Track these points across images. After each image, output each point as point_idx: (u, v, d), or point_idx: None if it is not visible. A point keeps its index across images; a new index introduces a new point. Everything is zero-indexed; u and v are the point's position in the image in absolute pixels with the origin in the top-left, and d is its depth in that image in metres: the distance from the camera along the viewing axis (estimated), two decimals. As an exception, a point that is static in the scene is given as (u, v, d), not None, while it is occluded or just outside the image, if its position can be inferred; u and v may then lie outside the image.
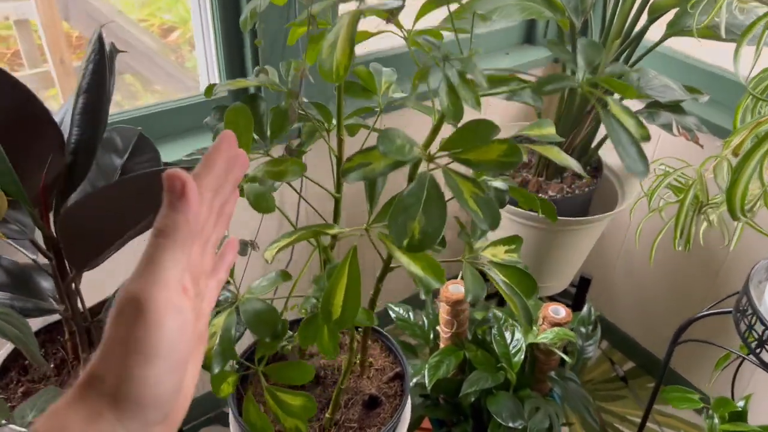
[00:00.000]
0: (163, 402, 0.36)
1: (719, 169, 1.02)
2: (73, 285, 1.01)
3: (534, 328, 1.35)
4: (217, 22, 1.31)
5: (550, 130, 0.89)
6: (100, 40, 0.84)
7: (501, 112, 1.94)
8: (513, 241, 0.93)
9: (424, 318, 1.53)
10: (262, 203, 0.66)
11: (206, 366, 0.69)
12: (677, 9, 1.39)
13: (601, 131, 1.62)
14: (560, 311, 1.35)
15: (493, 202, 0.60)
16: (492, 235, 0.92)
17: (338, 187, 0.79)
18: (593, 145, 1.64)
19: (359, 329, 1.05)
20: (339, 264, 0.60)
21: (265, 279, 0.73)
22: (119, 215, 0.87)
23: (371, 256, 0.83)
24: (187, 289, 0.39)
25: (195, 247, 0.40)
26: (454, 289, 1.37)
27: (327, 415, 0.98)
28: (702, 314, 1.28)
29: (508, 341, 1.35)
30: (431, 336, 1.51)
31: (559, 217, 1.53)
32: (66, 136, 0.86)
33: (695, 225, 1.00)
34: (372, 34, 0.83)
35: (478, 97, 0.62)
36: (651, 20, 1.37)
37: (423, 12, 0.73)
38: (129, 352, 0.35)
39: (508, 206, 1.56)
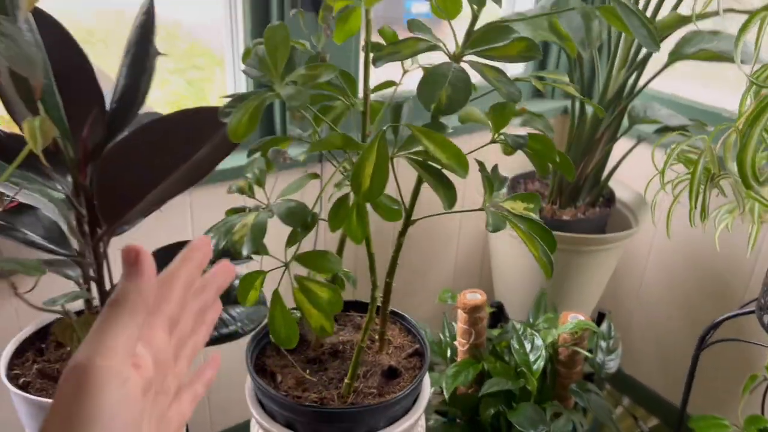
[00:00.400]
0: None
1: (728, 144, 1.06)
2: (102, 247, 1.03)
3: (553, 337, 1.33)
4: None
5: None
6: (150, 3, 0.93)
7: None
8: (531, 199, 0.96)
9: (441, 335, 1.51)
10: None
11: (236, 252, 0.70)
12: (680, 39, 1.49)
13: (611, 162, 1.67)
14: (580, 317, 1.34)
15: (511, 83, 0.64)
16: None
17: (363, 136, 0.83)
18: (604, 176, 1.69)
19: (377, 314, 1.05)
20: (369, 143, 0.64)
21: (294, 183, 0.75)
22: (156, 159, 0.91)
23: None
24: (139, 365, 0.38)
25: (158, 329, 0.41)
26: (471, 296, 1.37)
27: (346, 381, 0.96)
28: (727, 316, 1.26)
29: (528, 349, 1.33)
30: (449, 353, 1.48)
31: (574, 235, 1.55)
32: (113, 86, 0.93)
33: (708, 194, 1.02)
34: None
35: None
36: (654, 45, 1.46)
37: None
38: (65, 418, 0.34)
39: (524, 226, 1.59)
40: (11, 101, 0.83)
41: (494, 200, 0.90)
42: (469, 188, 1.81)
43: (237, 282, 1.19)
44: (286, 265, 0.77)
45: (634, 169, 1.81)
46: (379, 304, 1.01)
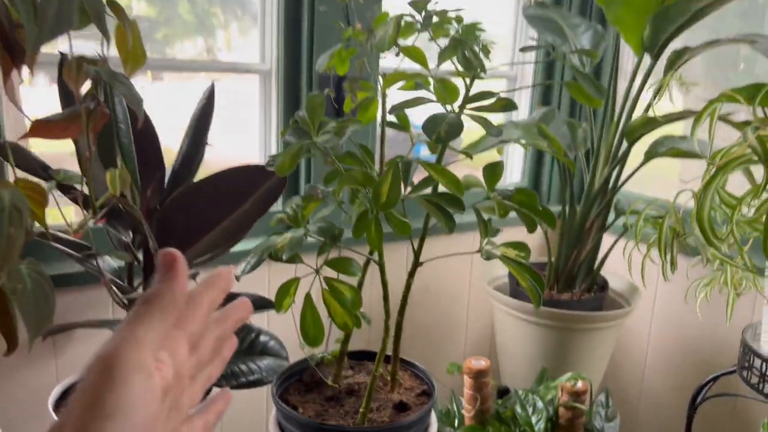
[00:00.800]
0: None
1: (693, 214, 1.24)
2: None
3: (552, 394, 1.42)
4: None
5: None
6: (211, 89, 1.17)
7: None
8: (522, 248, 1.12)
9: (449, 406, 1.60)
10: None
11: (277, 255, 0.86)
12: (653, 141, 1.72)
13: (602, 251, 1.84)
14: (578, 383, 1.44)
15: (494, 125, 0.84)
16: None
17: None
18: (596, 264, 1.85)
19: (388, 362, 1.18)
20: (386, 170, 0.83)
21: (325, 209, 0.93)
22: (209, 209, 1.11)
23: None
24: (161, 369, 0.38)
25: (181, 343, 0.41)
26: (476, 362, 1.49)
27: (361, 410, 1.08)
28: (713, 376, 1.36)
29: (530, 412, 1.42)
30: (456, 423, 1.56)
31: (572, 312, 1.69)
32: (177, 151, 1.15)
33: (676, 251, 1.18)
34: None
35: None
36: (630, 144, 1.69)
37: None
38: (89, 405, 0.35)
39: (523, 304, 1.72)
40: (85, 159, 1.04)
41: (489, 243, 1.06)
42: (475, 277, 1.97)
43: (261, 336, 1.34)
44: (317, 270, 0.93)
45: (624, 260, 1.97)
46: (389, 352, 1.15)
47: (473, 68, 0.88)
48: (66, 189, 1.13)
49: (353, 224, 0.90)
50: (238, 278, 0.99)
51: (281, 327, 1.53)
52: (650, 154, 1.70)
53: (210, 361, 0.45)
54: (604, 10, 1.65)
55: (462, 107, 0.91)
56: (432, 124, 0.82)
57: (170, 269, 0.40)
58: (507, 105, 0.90)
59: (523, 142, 1.21)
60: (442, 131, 0.80)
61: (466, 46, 0.89)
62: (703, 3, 1.33)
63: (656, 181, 2.18)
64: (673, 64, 1.49)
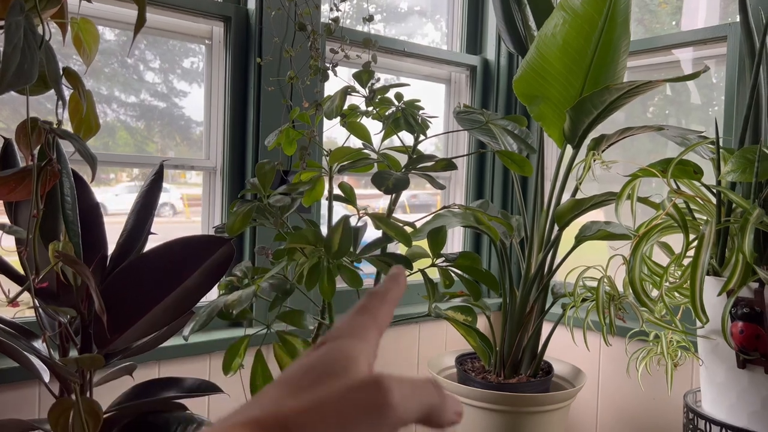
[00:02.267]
0: None
1: (625, 281, 1.31)
2: (88, 376, 1.13)
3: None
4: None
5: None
6: (160, 166, 1.20)
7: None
8: (469, 311, 1.15)
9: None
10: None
11: (227, 312, 0.84)
12: (581, 227, 1.83)
13: (544, 333, 1.88)
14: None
15: (436, 181, 0.90)
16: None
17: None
18: (539, 349, 1.88)
19: None
20: (337, 222, 0.86)
21: (275, 267, 0.93)
22: (153, 284, 1.09)
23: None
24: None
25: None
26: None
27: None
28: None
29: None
30: None
31: (521, 394, 1.69)
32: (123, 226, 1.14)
33: (613, 314, 1.24)
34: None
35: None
36: (561, 229, 1.79)
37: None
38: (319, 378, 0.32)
39: (473, 390, 1.71)
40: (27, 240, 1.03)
41: (437, 306, 1.09)
42: (422, 366, 1.95)
43: (204, 427, 1.28)
44: (268, 326, 0.92)
45: (565, 344, 2.01)
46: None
47: (415, 131, 0.95)
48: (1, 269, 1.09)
49: (306, 275, 0.91)
50: (185, 338, 0.96)
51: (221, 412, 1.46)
52: (579, 238, 1.80)
53: None
54: (528, 108, 1.81)
55: (408, 167, 0.97)
56: (380, 179, 0.87)
57: (398, 281, 0.39)
58: (447, 165, 0.97)
59: (464, 223, 1.28)
60: (390, 183, 0.85)
61: (408, 114, 0.96)
62: (614, 95, 1.49)
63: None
64: (592, 151, 1.62)
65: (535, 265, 1.85)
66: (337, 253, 0.84)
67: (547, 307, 1.86)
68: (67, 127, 0.92)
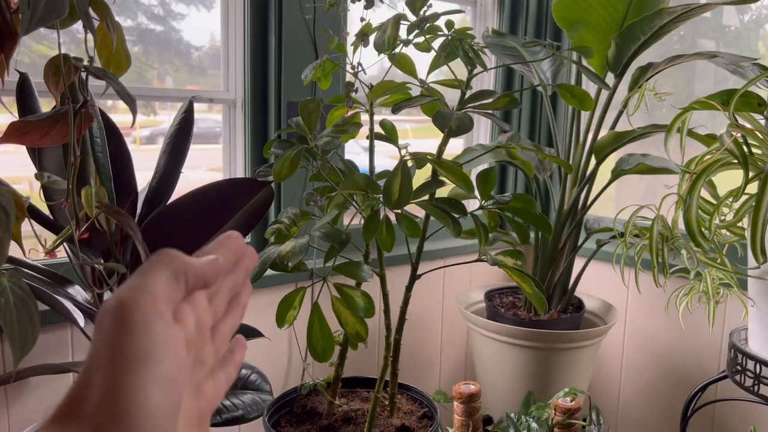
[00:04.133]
0: (154, 425, 0.31)
1: (674, 219, 1.25)
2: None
3: (547, 413, 1.38)
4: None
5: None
6: (190, 104, 1.12)
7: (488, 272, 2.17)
8: (519, 256, 1.10)
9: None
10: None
11: (281, 265, 0.79)
12: (618, 159, 1.76)
13: (576, 269, 1.85)
14: (569, 401, 1.41)
15: (499, 119, 0.82)
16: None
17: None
18: (570, 284, 1.85)
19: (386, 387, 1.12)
20: (395, 168, 0.79)
21: (326, 215, 0.88)
22: (190, 230, 1.03)
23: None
24: (182, 321, 0.36)
25: (200, 294, 0.39)
26: (466, 387, 1.44)
27: (363, 435, 1.01)
28: (706, 383, 1.36)
29: (525, 434, 1.38)
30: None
31: (552, 331, 1.67)
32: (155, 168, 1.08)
33: (666, 255, 1.19)
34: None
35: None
36: (598, 162, 1.72)
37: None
38: (113, 359, 0.31)
39: (503, 326, 1.69)
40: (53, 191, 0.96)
41: (486, 251, 1.04)
42: (447, 302, 1.94)
43: (242, 370, 1.25)
44: (325, 277, 0.87)
45: (597, 279, 1.98)
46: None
47: (474, 64, 0.87)
48: (34, 216, 1.04)
49: (363, 226, 0.85)
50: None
51: (261, 359, 1.45)
52: (617, 172, 1.73)
53: (228, 311, 0.43)
54: (567, 33, 1.70)
55: (463, 104, 0.89)
56: (442, 119, 0.80)
57: (238, 251, 0.40)
58: (510, 101, 0.89)
59: (509, 156, 1.20)
60: (454, 125, 0.78)
61: (465, 44, 0.88)
62: (666, 19, 1.39)
63: (619, 203, 2.23)
64: (638, 80, 1.53)
65: (569, 200, 1.79)
66: (398, 202, 0.78)
67: (580, 243, 1.82)
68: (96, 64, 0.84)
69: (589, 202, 1.78)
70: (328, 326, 0.87)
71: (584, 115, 1.78)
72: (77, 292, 1.10)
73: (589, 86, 2.05)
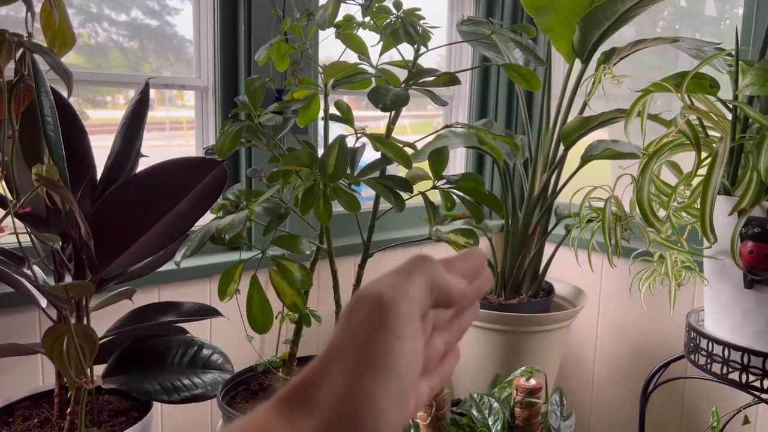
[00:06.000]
0: None
1: (632, 201, 1.26)
2: (84, 301, 1.12)
3: (507, 392, 1.40)
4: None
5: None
6: (146, 85, 1.13)
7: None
8: (470, 234, 1.12)
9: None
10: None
11: (220, 236, 0.81)
12: (587, 146, 1.77)
13: (546, 255, 1.86)
14: (531, 380, 1.43)
15: (437, 96, 0.84)
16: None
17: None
18: (541, 269, 1.87)
19: None
20: (332, 143, 0.81)
21: (268, 190, 0.90)
22: (145, 208, 1.05)
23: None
24: (423, 331, 0.34)
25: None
26: (430, 368, 1.45)
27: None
28: (662, 363, 1.38)
29: (486, 414, 1.39)
30: (411, 431, 1.51)
31: (521, 315, 1.68)
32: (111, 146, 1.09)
33: (619, 235, 1.20)
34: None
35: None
36: (566, 148, 1.73)
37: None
38: (358, 358, 0.29)
39: (473, 312, 1.71)
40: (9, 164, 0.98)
41: (437, 229, 1.05)
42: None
43: (204, 350, 1.27)
44: (263, 250, 0.89)
45: (567, 265, 2.00)
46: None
47: (415, 42, 0.89)
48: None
49: (300, 199, 0.87)
50: (177, 264, 0.93)
51: (223, 340, 1.46)
52: (586, 158, 1.75)
53: (449, 327, 0.39)
54: (535, 20, 1.71)
55: (408, 82, 0.91)
56: (377, 95, 0.81)
57: (479, 271, 0.38)
58: (450, 79, 0.90)
59: (467, 142, 1.22)
60: (388, 100, 0.80)
61: (409, 24, 0.89)
62: (628, 4, 1.40)
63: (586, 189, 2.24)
64: (602, 64, 1.54)
65: (539, 185, 1.81)
66: (332, 176, 0.80)
67: (550, 228, 1.83)
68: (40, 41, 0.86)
69: (558, 187, 1.79)
70: (267, 298, 0.89)
71: (554, 102, 1.80)
72: (37, 272, 1.12)
73: (561, 70, 2.06)
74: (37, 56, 0.88)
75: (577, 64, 1.69)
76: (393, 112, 0.97)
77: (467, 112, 2.16)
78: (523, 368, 1.35)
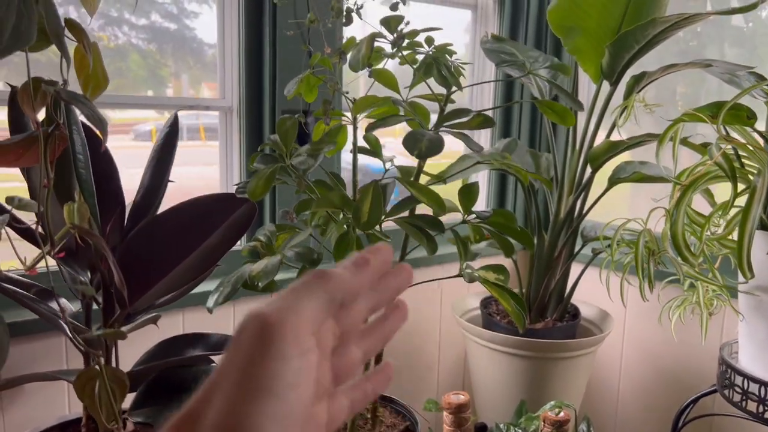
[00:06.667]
0: None
1: (664, 232, 1.24)
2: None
3: (535, 425, 1.38)
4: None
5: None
6: (175, 117, 1.13)
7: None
8: (501, 271, 1.10)
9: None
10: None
11: (252, 284, 0.80)
12: (615, 167, 1.74)
13: (572, 278, 1.84)
14: (560, 413, 1.41)
15: (473, 141, 0.82)
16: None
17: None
18: (566, 292, 1.84)
19: None
20: (365, 188, 0.80)
21: (300, 234, 0.89)
22: (173, 244, 1.05)
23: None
24: (319, 346, 0.34)
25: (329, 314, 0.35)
26: (455, 397, 1.44)
27: (342, 450, 1.01)
28: (694, 397, 1.35)
29: (513, 445, 1.38)
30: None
31: (546, 341, 1.66)
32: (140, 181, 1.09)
33: (652, 269, 1.18)
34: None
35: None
36: (594, 171, 1.71)
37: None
38: (241, 381, 0.30)
39: (497, 335, 1.69)
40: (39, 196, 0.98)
41: (468, 267, 1.04)
42: (445, 309, 1.94)
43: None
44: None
45: (593, 288, 1.97)
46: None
47: (449, 85, 0.87)
48: (16, 225, 1.05)
49: (334, 246, 0.86)
50: (210, 310, 0.93)
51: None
52: (613, 180, 1.72)
53: (368, 333, 0.38)
54: (563, 41, 1.69)
55: (438, 124, 0.89)
56: (412, 140, 0.80)
57: (366, 261, 0.36)
58: (484, 121, 0.89)
59: (496, 164, 1.20)
60: (423, 147, 0.78)
61: (441, 64, 0.88)
62: (659, 28, 1.37)
63: (613, 209, 2.22)
64: (632, 89, 1.52)
65: (565, 208, 1.78)
66: (367, 224, 0.79)
67: (576, 250, 1.81)
68: (73, 82, 0.86)
69: (585, 210, 1.77)
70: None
71: (581, 123, 1.77)
72: (65, 305, 1.12)
73: (590, 92, 2.03)
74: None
75: (605, 85, 1.67)
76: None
77: (490, 132, 2.14)
78: (552, 403, 1.33)
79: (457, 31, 2.19)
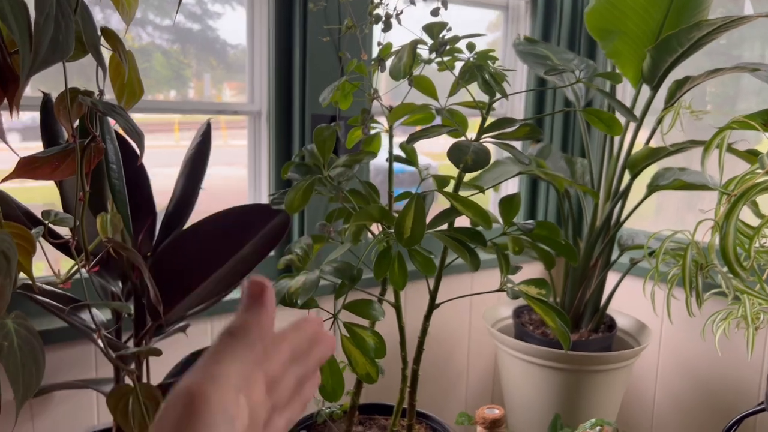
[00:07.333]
0: None
1: (711, 244, 1.19)
2: (145, 344, 1.10)
3: (573, 441, 1.34)
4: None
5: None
6: (208, 126, 1.11)
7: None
8: (543, 285, 1.06)
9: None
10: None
11: (291, 301, 0.77)
12: (654, 174, 1.69)
13: (608, 288, 1.78)
14: (597, 427, 1.36)
15: (520, 152, 0.78)
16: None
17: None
18: (602, 302, 1.79)
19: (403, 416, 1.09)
20: (408, 202, 0.76)
21: (339, 248, 0.86)
22: (206, 255, 1.02)
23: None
24: (240, 412, 0.35)
25: (259, 384, 0.37)
26: (489, 411, 1.40)
27: (378, 469, 0.98)
28: (741, 416, 1.29)
29: (550, 462, 1.33)
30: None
31: (582, 353, 1.61)
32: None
33: (701, 284, 1.13)
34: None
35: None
36: (633, 177, 1.66)
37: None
38: None
39: (531, 346, 1.65)
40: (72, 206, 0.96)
41: (509, 279, 1.00)
42: (474, 319, 1.90)
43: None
44: (335, 315, 0.85)
45: (629, 297, 1.92)
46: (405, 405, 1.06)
47: (492, 93, 0.84)
48: (52, 237, 1.04)
49: (374, 263, 0.83)
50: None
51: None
52: (652, 187, 1.67)
53: (289, 403, 0.41)
54: (600, 44, 1.64)
55: (480, 135, 0.86)
56: (457, 152, 0.76)
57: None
58: (531, 131, 0.85)
59: (538, 172, 1.16)
60: (469, 159, 0.75)
61: (485, 71, 0.84)
62: (704, 31, 1.32)
63: (648, 216, 2.16)
64: (674, 94, 1.47)
65: (601, 215, 1.73)
66: (409, 240, 0.76)
67: (612, 259, 1.76)
68: (108, 91, 0.84)
69: (623, 218, 1.71)
70: (338, 365, 0.85)
71: (618, 128, 1.72)
72: (97, 315, 1.11)
73: (624, 95, 1.98)
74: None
75: (645, 89, 1.61)
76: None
77: (523, 134, 2.09)
78: (592, 420, 1.28)
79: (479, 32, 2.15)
